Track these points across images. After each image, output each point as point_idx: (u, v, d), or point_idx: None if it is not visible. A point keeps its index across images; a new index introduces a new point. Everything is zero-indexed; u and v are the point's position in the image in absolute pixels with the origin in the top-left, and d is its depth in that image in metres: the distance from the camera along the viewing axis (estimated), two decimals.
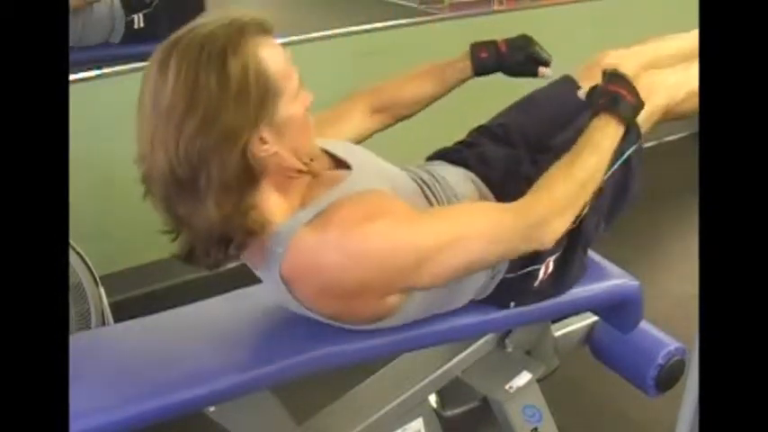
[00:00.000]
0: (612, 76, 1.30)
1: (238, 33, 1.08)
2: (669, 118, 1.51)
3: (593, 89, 1.33)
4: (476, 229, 1.18)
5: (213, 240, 1.12)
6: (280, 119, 1.11)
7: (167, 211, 1.13)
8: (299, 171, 1.18)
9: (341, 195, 1.17)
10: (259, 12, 1.14)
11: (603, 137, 1.26)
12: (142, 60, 2.47)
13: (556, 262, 1.37)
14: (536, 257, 1.32)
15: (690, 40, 1.59)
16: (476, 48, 1.50)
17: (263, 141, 1.10)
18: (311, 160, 1.20)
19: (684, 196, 2.56)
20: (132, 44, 2.41)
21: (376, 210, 1.15)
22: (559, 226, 1.20)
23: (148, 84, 1.09)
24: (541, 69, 1.50)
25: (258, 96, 1.08)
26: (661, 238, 2.83)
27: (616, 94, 1.27)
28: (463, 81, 1.52)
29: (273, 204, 1.16)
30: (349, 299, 1.19)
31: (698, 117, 0.94)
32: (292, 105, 1.13)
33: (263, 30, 1.12)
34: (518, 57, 1.49)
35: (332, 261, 1.13)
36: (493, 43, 1.50)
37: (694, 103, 1.47)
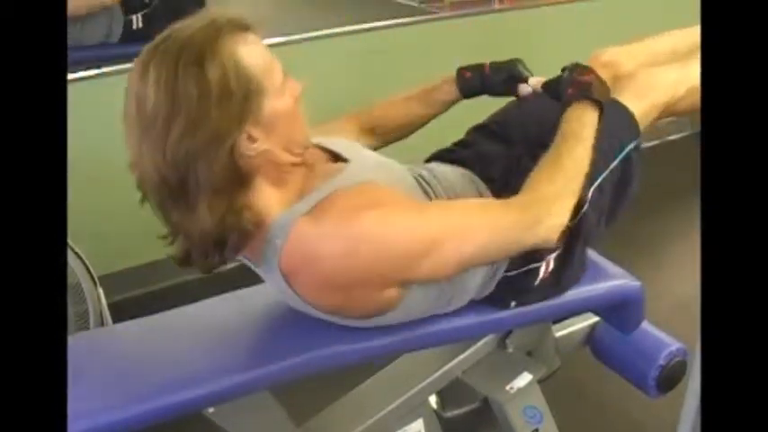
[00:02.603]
0: (578, 67, 1.32)
1: (216, 35, 1.08)
2: (669, 115, 1.51)
3: (550, 81, 1.35)
4: (477, 222, 1.18)
5: (208, 244, 1.12)
6: (266, 115, 1.11)
7: (162, 217, 1.13)
8: (293, 164, 1.18)
9: (339, 186, 1.17)
10: (236, 10, 1.15)
11: (582, 126, 1.27)
12: None
13: (556, 260, 1.37)
14: (536, 255, 1.32)
15: (688, 36, 1.59)
16: (461, 70, 1.50)
17: (251, 140, 1.10)
18: (306, 148, 1.20)
19: (686, 196, 2.56)
20: (132, 43, 2.40)
21: (375, 199, 1.15)
22: (558, 220, 1.20)
23: (132, 91, 1.09)
24: (521, 87, 1.48)
25: (240, 96, 1.08)
26: (662, 238, 2.83)
27: (586, 82, 1.29)
28: (452, 103, 1.52)
29: (270, 199, 1.15)
30: (347, 290, 1.18)
31: (699, 116, 0.93)
32: (278, 100, 1.13)
33: (242, 28, 1.12)
34: (500, 76, 1.48)
35: (330, 250, 1.12)
36: (479, 65, 1.50)
37: (694, 100, 1.47)
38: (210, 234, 1.10)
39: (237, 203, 1.10)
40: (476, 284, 1.32)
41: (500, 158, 1.43)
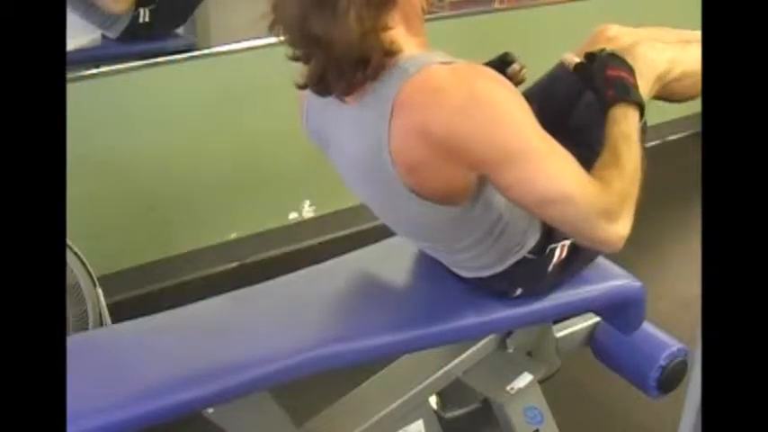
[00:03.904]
0: (611, 59, 1.31)
1: None
2: (665, 95, 1.49)
3: (581, 65, 1.34)
4: (572, 174, 1.16)
5: (351, 59, 1.10)
6: None
7: (301, 32, 1.11)
8: (423, 11, 1.19)
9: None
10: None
11: (631, 128, 1.26)
12: (141, 59, 2.47)
13: (569, 248, 1.37)
14: (554, 235, 1.33)
15: (688, 35, 1.59)
16: None
17: None
18: (431, 4, 1.21)
19: (687, 196, 2.56)
20: (130, 42, 2.40)
21: (512, 89, 1.16)
22: (625, 226, 1.19)
23: None
24: (510, 69, 1.47)
25: None
26: (663, 239, 2.83)
27: (623, 81, 1.29)
28: None
29: (403, 36, 1.16)
30: (445, 150, 1.13)
31: (700, 116, 0.93)
32: None
33: None
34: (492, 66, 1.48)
35: (453, 97, 1.10)
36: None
37: (689, 84, 1.46)
38: (355, 46, 1.09)
39: (383, 21, 1.11)
40: (504, 246, 1.32)
41: None
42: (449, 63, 1.14)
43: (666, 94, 1.49)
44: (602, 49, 1.34)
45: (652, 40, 1.46)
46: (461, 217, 1.24)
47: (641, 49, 1.41)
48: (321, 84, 1.15)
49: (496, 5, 3.14)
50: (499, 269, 1.36)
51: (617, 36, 1.31)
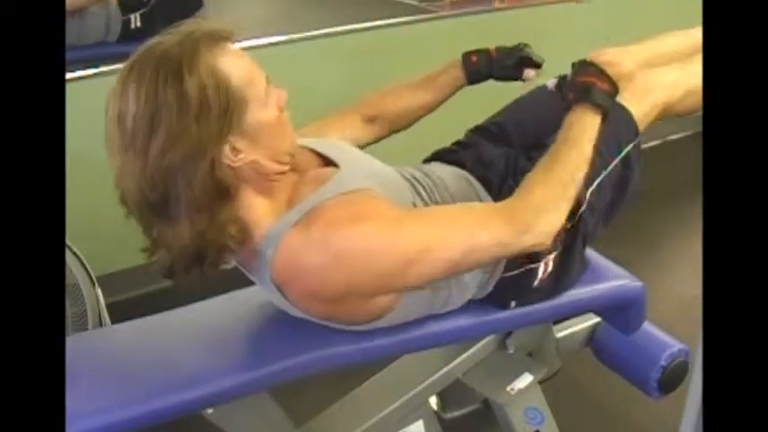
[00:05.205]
0: (581, 66, 1.30)
1: (193, 49, 1.07)
2: (668, 116, 1.50)
3: (563, 80, 1.33)
4: (462, 230, 1.16)
5: (188, 258, 1.11)
6: (250, 126, 1.10)
7: (144, 231, 1.14)
8: (281, 173, 1.17)
9: (328, 195, 1.16)
10: (215, 20, 1.14)
11: (581, 130, 1.24)
12: None
13: (555, 260, 1.36)
14: (534, 256, 1.32)
15: (688, 37, 1.59)
16: (467, 54, 1.50)
17: (236, 151, 1.09)
18: (292, 156, 1.19)
19: (688, 196, 2.56)
20: (130, 42, 2.40)
21: (361, 211, 1.14)
22: (548, 228, 1.18)
23: (113, 110, 1.09)
24: (526, 72, 1.48)
25: (220, 110, 1.06)
26: (664, 239, 2.83)
27: (586, 85, 1.26)
28: (456, 89, 1.52)
29: (259, 209, 1.15)
30: (337, 301, 1.18)
31: (701, 116, 0.93)
32: (262, 110, 1.12)
33: (221, 38, 1.11)
34: (507, 61, 1.49)
35: (317, 262, 1.12)
36: (485, 50, 1.50)
37: (693, 101, 1.47)
38: (188, 249, 1.10)
39: (220, 218, 1.10)
40: (473, 285, 1.32)
41: (498, 161, 1.43)
42: (303, 219, 1.13)
43: (673, 113, 1.49)
44: (582, 60, 1.32)
45: (649, 69, 1.47)
46: (403, 303, 1.24)
47: (641, 76, 1.41)
48: (171, 275, 1.16)
49: (496, 5, 3.14)
50: (484, 294, 1.35)
51: (612, 62, 1.30)
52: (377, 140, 1.51)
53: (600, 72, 1.28)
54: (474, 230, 1.16)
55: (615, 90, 1.28)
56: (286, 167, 1.18)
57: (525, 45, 1.51)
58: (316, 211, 1.14)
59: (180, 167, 1.05)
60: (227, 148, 1.08)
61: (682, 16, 1.69)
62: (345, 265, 1.11)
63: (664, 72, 1.48)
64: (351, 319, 1.24)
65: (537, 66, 1.49)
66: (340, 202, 1.15)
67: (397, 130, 1.52)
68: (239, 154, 1.10)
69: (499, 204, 1.20)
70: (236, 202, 1.12)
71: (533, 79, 1.48)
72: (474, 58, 1.49)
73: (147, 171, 1.05)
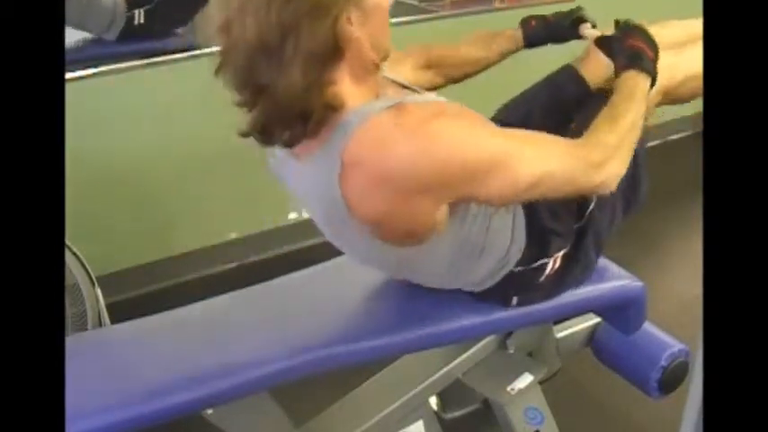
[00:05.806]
0: (628, 29, 1.35)
1: None
2: (669, 101, 1.51)
3: (607, 38, 1.39)
4: (548, 148, 1.19)
5: (294, 111, 1.11)
6: (367, 4, 1.13)
7: (247, 80, 1.12)
8: (374, 65, 1.18)
9: (417, 98, 1.19)
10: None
11: (636, 88, 1.29)
12: (139, 58, 2.46)
13: (564, 258, 1.37)
14: (546, 250, 1.33)
15: (688, 28, 1.60)
16: (526, 19, 1.55)
17: (348, 22, 1.11)
18: (386, 58, 1.20)
19: (688, 196, 2.56)
20: (130, 42, 2.41)
21: (454, 110, 1.16)
22: (617, 169, 1.22)
23: None
24: (582, 27, 1.52)
25: None
26: (664, 239, 2.83)
27: (638, 51, 1.32)
28: (512, 51, 1.56)
29: (349, 89, 1.15)
30: (405, 195, 1.13)
31: (701, 116, 0.93)
32: None
33: None
34: (564, 21, 1.53)
35: (403, 142, 1.10)
36: (542, 15, 1.55)
37: (693, 86, 1.50)
38: (298, 99, 1.10)
39: (328, 75, 1.11)
40: (487, 267, 1.32)
41: None
42: (394, 106, 1.13)
43: (672, 100, 1.49)
44: (627, 20, 1.38)
45: None
46: (439, 241, 1.24)
47: None
48: (264, 133, 1.15)
49: (497, 5, 3.14)
50: (490, 284, 1.35)
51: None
52: (432, 87, 1.51)
53: (648, 38, 1.34)
54: (557, 153, 1.19)
55: (657, 58, 1.34)
56: (379, 61, 1.19)
57: (580, 7, 1.55)
58: (408, 103, 1.15)
59: (305, 16, 1.07)
60: (344, 16, 1.10)
61: (681, 16, 1.69)
62: (432, 151, 1.10)
63: (662, 56, 1.48)
64: (397, 228, 1.19)
65: (592, 25, 1.53)
66: (431, 102, 1.19)
67: (450, 82, 1.55)
68: (351, 26, 1.11)
69: (573, 142, 1.22)
70: (336, 73, 1.13)
71: (591, 37, 1.50)
72: (532, 23, 1.55)
73: (271, 13, 1.06)
